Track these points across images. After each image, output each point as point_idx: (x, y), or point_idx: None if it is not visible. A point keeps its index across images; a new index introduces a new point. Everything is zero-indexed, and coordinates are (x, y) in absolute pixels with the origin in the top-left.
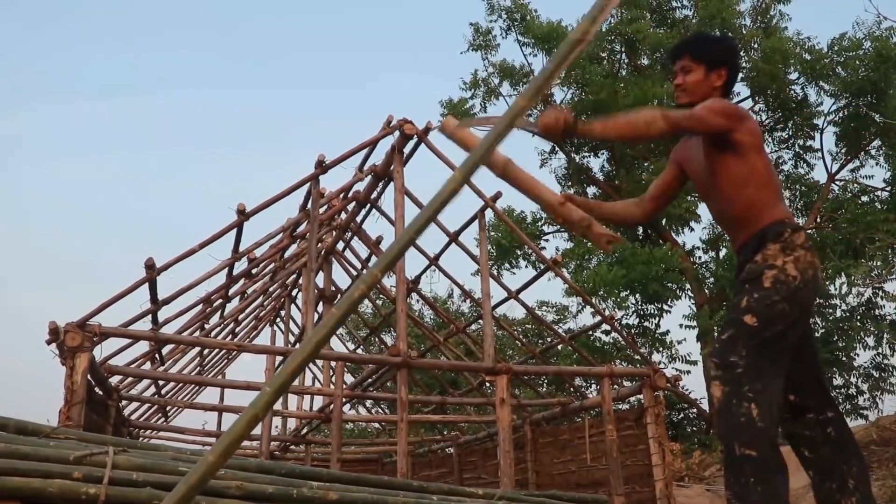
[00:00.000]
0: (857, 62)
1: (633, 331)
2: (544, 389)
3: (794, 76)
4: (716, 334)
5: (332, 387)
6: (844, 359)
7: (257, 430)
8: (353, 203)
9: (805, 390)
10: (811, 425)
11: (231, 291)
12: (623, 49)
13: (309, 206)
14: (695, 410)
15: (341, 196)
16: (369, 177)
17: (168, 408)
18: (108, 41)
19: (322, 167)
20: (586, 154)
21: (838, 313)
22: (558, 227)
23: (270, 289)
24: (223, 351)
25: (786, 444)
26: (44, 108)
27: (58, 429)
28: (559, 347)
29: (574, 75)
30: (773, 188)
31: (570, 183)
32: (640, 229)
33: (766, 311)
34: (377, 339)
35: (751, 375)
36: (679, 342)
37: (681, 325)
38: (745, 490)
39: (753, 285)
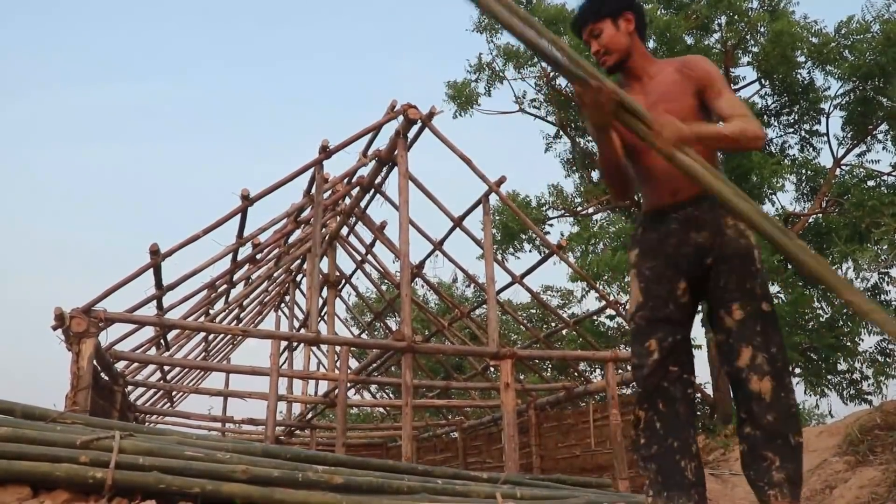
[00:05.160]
0: (865, 46)
1: None
2: (549, 374)
3: (800, 60)
4: (742, 321)
5: (336, 372)
6: (849, 344)
7: (262, 415)
8: (357, 188)
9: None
10: (674, 380)
11: (235, 277)
12: None
13: (313, 191)
14: (699, 395)
15: (345, 181)
16: (373, 162)
17: (173, 393)
18: (114, 28)
19: (326, 152)
20: (591, 139)
21: None
22: (563, 211)
23: (275, 274)
24: (228, 336)
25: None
26: (45, 95)
27: (64, 414)
28: (564, 332)
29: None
30: None
31: (574, 167)
32: None
33: (770, 294)
34: (382, 324)
35: (788, 364)
36: None
37: None
38: (800, 474)
39: (755, 266)
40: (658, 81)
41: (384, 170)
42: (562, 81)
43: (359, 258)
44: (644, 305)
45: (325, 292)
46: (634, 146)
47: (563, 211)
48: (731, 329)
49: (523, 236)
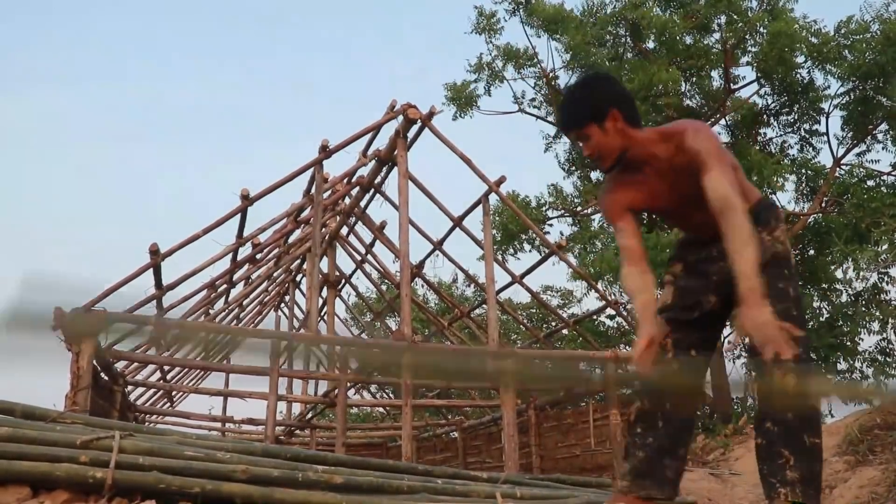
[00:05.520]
0: (865, 45)
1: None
2: None
3: (800, 60)
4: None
5: (336, 371)
6: (849, 344)
7: (262, 415)
8: (357, 188)
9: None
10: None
11: (235, 277)
12: (627, 33)
13: (313, 190)
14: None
15: (345, 181)
16: (373, 161)
17: (173, 393)
18: (114, 28)
19: (326, 152)
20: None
21: (843, 298)
22: (563, 211)
23: (275, 274)
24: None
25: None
26: (45, 95)
27: (64, 414)
28: (564, 332)
29: (578, 59)
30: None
31: (573, 168)
32: (645, 216)
33: (801, 299)
34: (381, 324)
35: (812, 365)
36: None
37: None
38: (815, 476)
39: (789, 270)
40: (668, 162)
41: (384, 170)
42: (561, 81)
43: (359, 258)
44: (671, 308)
45: (324, 292)
46: (666, 212)
47: (562, 211)
48: None
49: (523, 236)
